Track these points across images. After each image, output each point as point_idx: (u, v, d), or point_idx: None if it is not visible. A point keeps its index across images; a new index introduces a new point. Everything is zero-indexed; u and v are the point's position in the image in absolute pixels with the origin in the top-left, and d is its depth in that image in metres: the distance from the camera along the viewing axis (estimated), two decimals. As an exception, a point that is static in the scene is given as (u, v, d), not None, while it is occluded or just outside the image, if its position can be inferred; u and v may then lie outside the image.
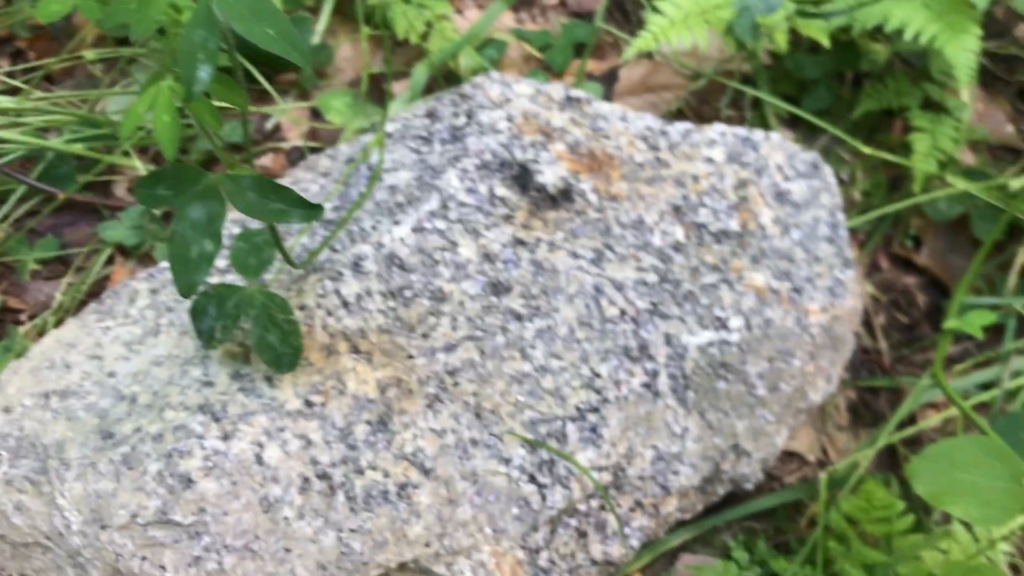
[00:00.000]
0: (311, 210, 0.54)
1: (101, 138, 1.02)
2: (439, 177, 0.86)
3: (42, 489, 0.73)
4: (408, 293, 0.79)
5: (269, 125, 1.10)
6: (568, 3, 1.24)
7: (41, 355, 0.80)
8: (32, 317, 0.95)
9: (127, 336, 0.80)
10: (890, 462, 0.99)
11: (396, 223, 0.83)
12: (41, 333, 0.93)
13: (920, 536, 0.81)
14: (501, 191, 0.86)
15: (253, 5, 0.44)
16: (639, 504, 0.80)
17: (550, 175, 0.88)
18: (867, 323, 1.09)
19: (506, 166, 0.88)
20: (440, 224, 0.83)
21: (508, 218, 0.85)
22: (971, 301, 1.02)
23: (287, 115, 1.08)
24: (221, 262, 0.82)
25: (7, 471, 0.74)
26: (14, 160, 0.99)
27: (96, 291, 0.98)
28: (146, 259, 0.98)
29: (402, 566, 0.73)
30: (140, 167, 1.00)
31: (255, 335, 0.68)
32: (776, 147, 0.96)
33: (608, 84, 1.18)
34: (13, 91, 1.08)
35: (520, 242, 0.84)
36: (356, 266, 0.79)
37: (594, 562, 0.79)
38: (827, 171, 0.95)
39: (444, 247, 0.82)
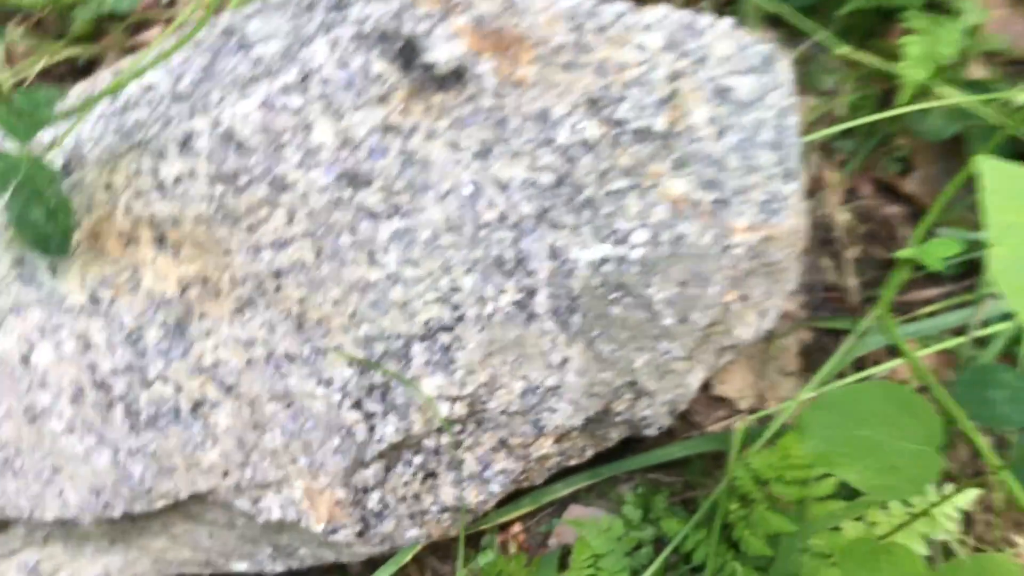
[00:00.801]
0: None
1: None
2: (306, 47, 0.72)
3: None
4: (243, 179, 0.67)
5: (167, -5, 0.97)
6: None
7: None
8: None
9: (-79, 212, 0.69)
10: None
11: (244, 96, 0.70)
12: None
13: (842, 503, 0.67)
14: (378, 67, 0.72)
15: None
16: (504, 443, 0.68)
17: (443, 52, 0.74)
18: (836, 255, 0.94)
19: (388, 38, 0.74)
20: (295, 100, 0.70)
21: (382, 99, 0.72)
22: (946, 233, 0.86)
23: (181, -17, 0.95)
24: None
25: None
26: None
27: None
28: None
29: (195, 497, 0.62)
30: None
31: (15, 209, 0.56)
32: (723, 36, 0.80)
33: (561, -33, 1.02)
34: None
35: (391, 128, 0.71)
36: (185, 144, 0.67)
37: (444, 508, 0.67)
38: (782, 66, 0.79)
39: (296, 127, 0.69)
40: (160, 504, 0.60)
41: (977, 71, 1.00)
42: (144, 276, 0.62)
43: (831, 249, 0.94)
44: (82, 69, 0.94)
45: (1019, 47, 1.03)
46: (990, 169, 0.45)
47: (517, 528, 0.76)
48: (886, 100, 1.00)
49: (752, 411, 0.84)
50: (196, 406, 0.60)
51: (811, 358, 0.88)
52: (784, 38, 1.01)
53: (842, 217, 0.96)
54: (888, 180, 0.97)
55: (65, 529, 0.64)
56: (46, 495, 0.60)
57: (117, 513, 0.60)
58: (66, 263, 0.61)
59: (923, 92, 0.92)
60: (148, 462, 0.60)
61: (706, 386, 0.85)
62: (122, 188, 0.65)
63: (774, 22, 1.03)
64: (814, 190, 0.97)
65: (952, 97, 0.89)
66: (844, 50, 0.87)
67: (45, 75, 0.92)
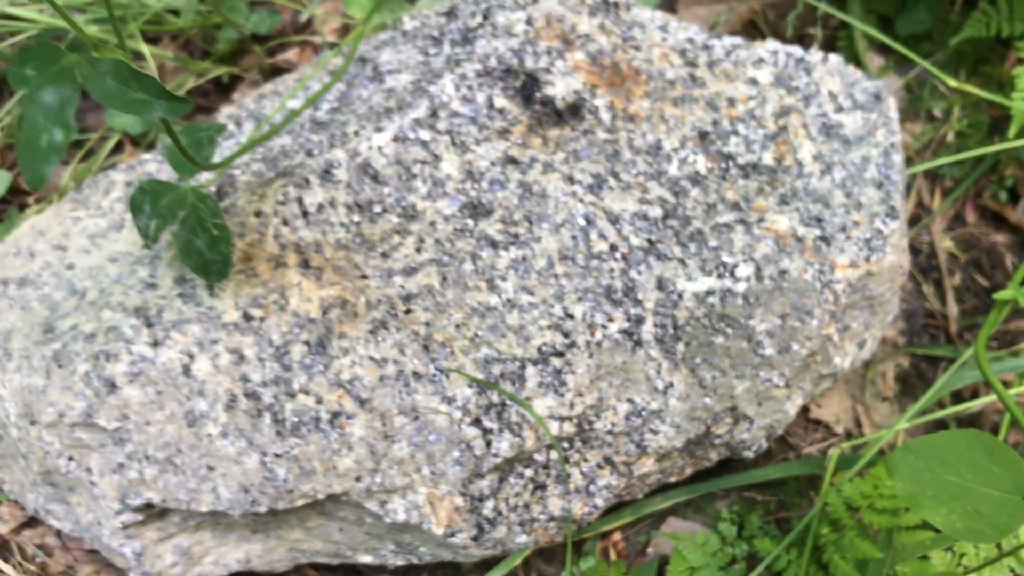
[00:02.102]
0: (176, 103, 0.48)
1: (132, 18, 0.99)
2: (434, 82, 0.78)
3: (-10, 377, 0.72)
4: (377, 208, 0.73)
5: (302, 19, 1.04)
6: (645, -102, 1.11)
7: (14, 241, 0.79)
8: (39, 200, 0.95)
9: (93, 228, 0.77)
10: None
11: (379, 130, 0.76)
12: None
13: (930, 534, 0.70)
14: (501, 102, 0.78)
15: None
16: (609, 461, 0.73)
17: (561, 87, 0.79)
18: (938, 283, 0.96)
19: (512, 74, 0.79)
20: (425, 134, 0.75)
21: (503, 133, 0.77)
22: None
23: (321, 9, 1.02)
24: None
25: (-38, 355, 0.73)
26: (34, 35, 0.97)
27: (104, 170, 0.96)
28: (152, 148, 0.95)
29: (332, 498, 0.69)
30: (148, 53, 0.97)
31: (181, 238, 0.64)
32: (833, 72, 0.83)
33: (674, -8, 1.06)
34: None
35: (512, 160, 0.76)
36: (326, 173, 0.74)
37: (552, 517, 0.73)
38: (890, 104, 0.82)
39: (425, 160, 0.75)
40: (300, 503, 0.68)
41: (1093, 100, 0.99)
42: (291, 297, 0.69)
43: (933, 276, 0.96)
44: (225, 86, 1.02)
45: None
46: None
47: (617, 537, 0.81)
48: (995, 127, 1.00)
49: (848, 435, 0.87)
50: (334, 417, 0.67)
51: (908, 384, 0.91)
52: (894, 64, 1.03)
53: (945, 244, 0.97)
54: (995, 208, 0.98)
55: (214, 519, 0.71)
56: (202, 490, 0.67)
57: (262, 509, 0.67)
58: (222, 283, 0.69)
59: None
60: (291, 465, 0.67)
61: (804, 409, 0.88)
62: (271, 215, 0.72)
63: (884, 48, 1.04)
64: (918, 216, 0.99)
65: (1064, 131, 0.89)
66: (955, 83, 0.88)
67: (192, 92, 1.00)
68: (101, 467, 0.68)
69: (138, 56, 1.00)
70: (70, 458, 0.68)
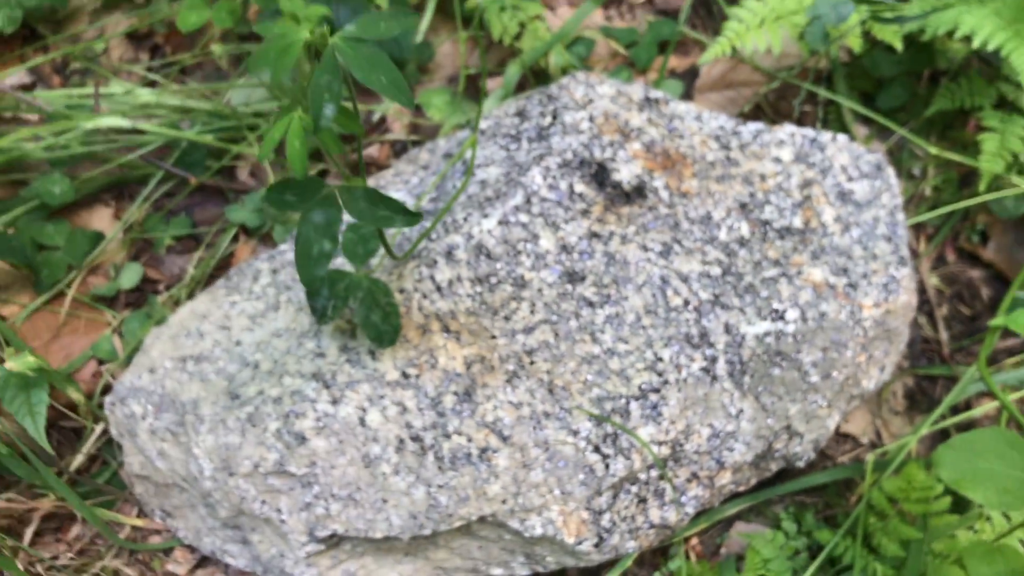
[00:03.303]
0: (412, 217, 0.65)
1: (227, 128, 1.15)
2: (524, 174, 0.95)
3: (180, 440, 0.86)
4: (493, 280, 0.90)
5: (375, 118, 1.21)
6: (655, 1, 1.31)
7: (179, 324, 0.93)
8: (168, 287, 1.09)
9: (251, 310, 0.93)
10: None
11: (485, 216, 0.92)
12: (176, 302, 1.06)
13: (955, 517, 0.88)
14: (580, 187, 0.95)
15: (371, 57, 0.54)
16: (695, 476, 0.89)
17: (626, 173, 0.97)
18: (930, 314, 1.15)
19: (585, 164, 0.96)
20: (523, 218, 0.92)
21: (585, 212, 0.94)
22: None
23: (391, 109, 1.18)
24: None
25: (152, 423, 0.88)
26: (154, 148, 1.13)
27: (223, 266, 1.11)
28: (266, 238, 1.11)
29: (482, 519, 0.84)
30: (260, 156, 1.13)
31: (361, 315, 0.79)
32: (842, 148, 1.02)
33: (690, 80, 1.25)
34: (151, 83, 1.22)
35: (595, 235, 0.93)
36: (449, 255, 0.90)
37: (652, 525, 0.89)
38: (890, 172, 1.01)
39: (526, 238, 0.91)
40: (457, 524, 0.83)
41: (1042, 155, 1.20)
42: (439, 357, 0.85)
43: (925, 309, 1.15)
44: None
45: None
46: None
47: (694, 541, 0.98)
48: (964, 181, 1.20)
49: (872, 444, 1.05)
50: (483, 452, 0.83)
51: (914, 400, 1.09)
52: (876, 132, 1.23)
53: (933, 281, 1.16)
54: (970, 249, 1.18)
55: (377, 545, 0.86)
56: (377, 520, 0.82)
57: (428, 532, 0.83)
58: (384, 349, 0.84)
59: (996, 177, 1.13)
60: (451, 493, 0.82)
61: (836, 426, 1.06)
62: (412, 291, 0.88)
63: (866, 118, 1.24)
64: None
65: (1021, 184, 1.09)
66: (935, 150, 1.08)
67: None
68: (290, 507, 0.83)
69: (239, 157, 1.15)
70: (263, 501, 0.83)
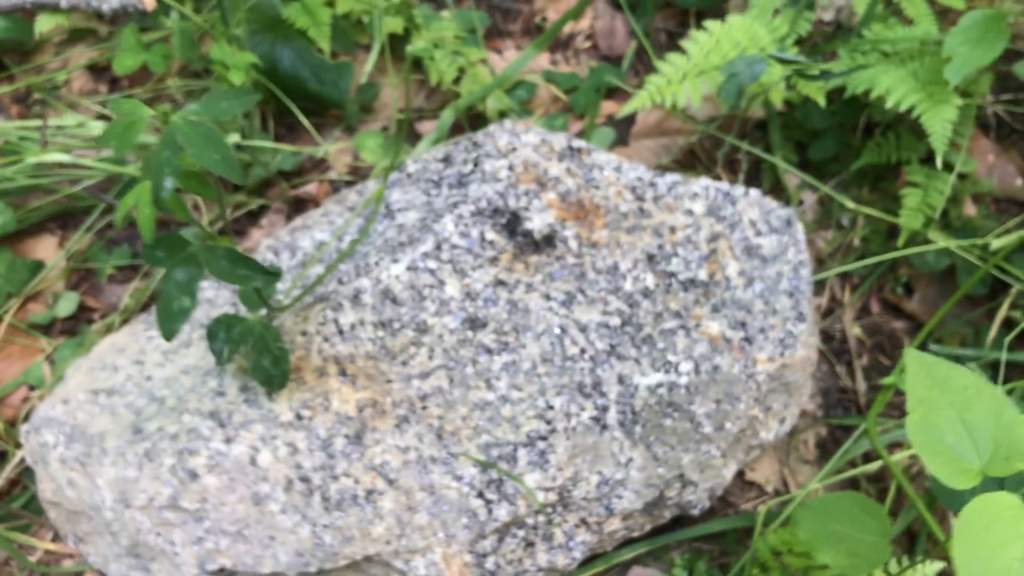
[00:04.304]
0: (270, 276, 0.68)
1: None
2: (438, 221, 0.98)
3: (87, 470, 0.90)
4: (396, 324, 0.93)
5: (320, 154, 1.24)
6: (600, 47, 1.34)
7: (98, 356, 0.97)
8: (103, 316, 1.13)
9: (165, 346, 0.96)
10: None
11: (395, 261, 0.95)
12: (109, 330, 1.10)
13: (834, 572, 0.90)
14: (491, 235, 0.98)
15: (205, 135, 0.57)
16: (584, 522, 0.92)
17: (538, 222, 1.00)
18: (849, 363, 1.16)
19: (499, 212, 0.99)
20: (432, 264, 0.95)
21: (494, 260, 0.97)
22: (938, 350, 1.08)
23: (333, 149, 1.22)
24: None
25: (63, 452, 0.91)
26: (98, 180, 1.17)
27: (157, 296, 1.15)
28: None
29: (367, 559, 0.87)
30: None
31: (252, 359, 0.83)
32: (753, 203, 1.04)
33: (627, 126, 1.28)
34: (105, 117, 1.26)
35: (501, 283, 0.96)
36: (355, 298, 0.93)
37: (540, 568, 0.91)
38: (798, 228, 1.03)
39: (433, 284, 0.94)
40: (342, 563, 0.86)
41: (969, 209, 1.22)
42: (332, 400, 0.88)
43: (845, 358, 1.17)
44: (255, 213, 1.22)
45: (1004, 187, 1.24)
46: (913, 357, 0.68)
47: (592, 583, 1.00)
48: (892, 232, 1.22)
49: (777, 493, 1.07)
50: (369, 494, 0.86)
51: (826, 449, 1.11)
52: (809, 180, 1.25)
53: (855, 331, 1.18)
54: (894, 300, 1.20)
55: (271, 578, 0.89)
56: (264, 556, 0.85)
57: (313, 569, 0.86)
58: (281, 391, 0.87)
59: (921, 231, 1.15)
60: (336, 533, 0.85)
61: (741, 473, 1.08)
62: (314, 334, 0.91)
63: (802, 167, 1.26)
64: (832, 308, 1.20)
65: (941, 242, 1.11)
66: (852, 205, 1.10)
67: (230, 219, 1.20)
68: (183, 540, 0.86)
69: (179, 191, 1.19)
70: (157, 533, 0.86)
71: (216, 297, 1.00)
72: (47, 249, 1.16)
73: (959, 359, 1.13)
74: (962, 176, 1.21)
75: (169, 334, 0.66)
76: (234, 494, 0.85)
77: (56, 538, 0.98)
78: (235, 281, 0.67)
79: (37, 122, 1.23)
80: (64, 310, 1.11)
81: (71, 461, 0.91)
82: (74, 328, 1.12)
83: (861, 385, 1.15)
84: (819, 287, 1.21)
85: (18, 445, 1.00)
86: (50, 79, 1.32)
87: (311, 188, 1.21)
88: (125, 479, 0.86)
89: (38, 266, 1.13)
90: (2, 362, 1.07)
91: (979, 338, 1.15)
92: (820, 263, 1.22)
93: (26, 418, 1.03)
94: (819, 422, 1.12)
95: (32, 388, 1.06)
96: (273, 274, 0.68)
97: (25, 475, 1.00)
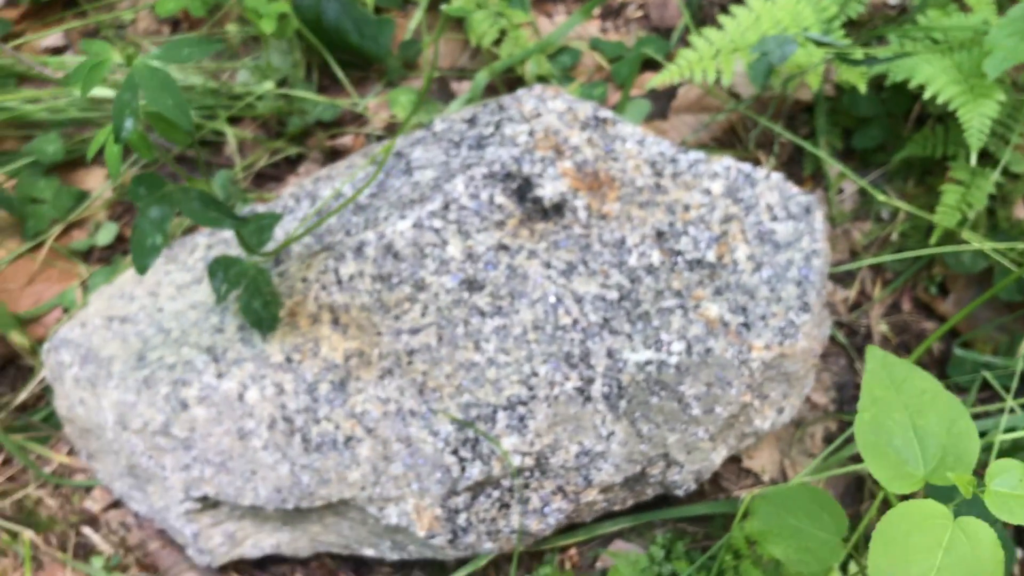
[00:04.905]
0: (239, 222, 0.70)
1: (224, 106, 1.23)
2: (449, 181, 0.99)
3: (96, 391, 0.95)
4: (395, 279, 0.94)
5: (359, 108, 1.26)
6: (651, 17, 1.32)
7: (118, 285, 1.02)
8: (139, 249, 1.18)
9: (180, 280, 1.00)
10: (857, 493, 1.05)
11: (402, 217, 0.97)
12: (144, 263, 1.15)
13: (810, 567, 0.88)
14: (500, 199, 0.99)
15: (161, 81, 0.59)
16: (561, 489, 0.92)
17: (549, 189, 1.00)
18: (869, 361, 1.13)
19: (511, 177, 1.00)
20: (437, 223, 0.97)
21: (500, 224, 0.98)
22: (963, 355, 1.05)
23: (372, 103, 1.24)
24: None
25: (77, 372, 0.97)
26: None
27: (191, 231, 1.20)
28: (230, 214, 1.18)
29: (343, 502, 0.90)
30: (231, 135, 1.20)
31: (243, 300, 0.86)
32: (773, 187, 1.02)
33: (668, 100, 1.26)
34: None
35: (503, 247, 0.97)
36: (358, 250, 0.95)
37: (513, 531, 0.93)
38: (817, 216, 1.00)
39: (436, 243, 0.96)
40: (318, 504, 0.89)
41: (1020, 212, 1.16)
42: (322, 347, 0.90)
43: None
44: (293, 161, 1.25)
45: (1065, 191, 1.18)
46: (873, 354, 0.67)
47: (572, 552, 1.01)
48: (932, 230, 1.17)
49: (773, 483, 1.05)
50: (348, 440, 0.88)
51: (832, 443, 1.08)
52: (853, 169, 1.21)
53: (881, 328, 1.15)
54: (926, 300, 1.16)
55: (254, 512, 0.93)
56: (245, 488, 0.89)
57: (290, 506, 0.89)
58: (272, 333, 0.90)
59: (955, 230, 1.10)
60: (313, 474, 0.88)
61: (738, 459, 1.07)
62: (313, 281, 0.93)
63: (845, 154, 1.22)
64: (860, 302, 1.17)
65: (976, 243, 1.06)
66: (883, 198, 1.07)
67: (266, 166, 1.24)
68: (172, 465, 0.90)
69: (221, 135, 1.24)
70: (150, 456, 0.91)
71: (233, 238, 1.03)
72: (94, 180, 1.22)
73: (986, 366, 1.09)
74: (1014, 176, 1.15)
75: (142, 268, 0.70)
76: (220, 427, 0.89)
77: (71, 452, 1.04)
78: (206, 223, 0.69)
79: (99, 58, 1.29)
80: (103, 239, 1.17)
81: (83, 381, 0.96)
82: (110, 257, 1.17)
83: (879, 383, 1.11)
84: (849, 279, 1.18)
85: (43, 363, 1.06)
86: (117, 17, 1.37)
87: (347, 140, 1.24)
88: (125, 403, 0.91)
89: (83, 195, 1.19)
90: (41, 284, 1.14)
91: (1012, 346, 1.10)
92: (854, 254, 1.19)
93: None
94: (829, 416, 1.09)
95: (65, 310, 1.12)
96: (240, 220, 0.71)
97: (47, 392, 1.07)
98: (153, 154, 0.67)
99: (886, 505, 1.00)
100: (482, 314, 0.94)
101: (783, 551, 0.73)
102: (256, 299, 0.85)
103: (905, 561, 0.56)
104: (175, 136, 0.67)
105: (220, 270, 0.86)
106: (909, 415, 0.64)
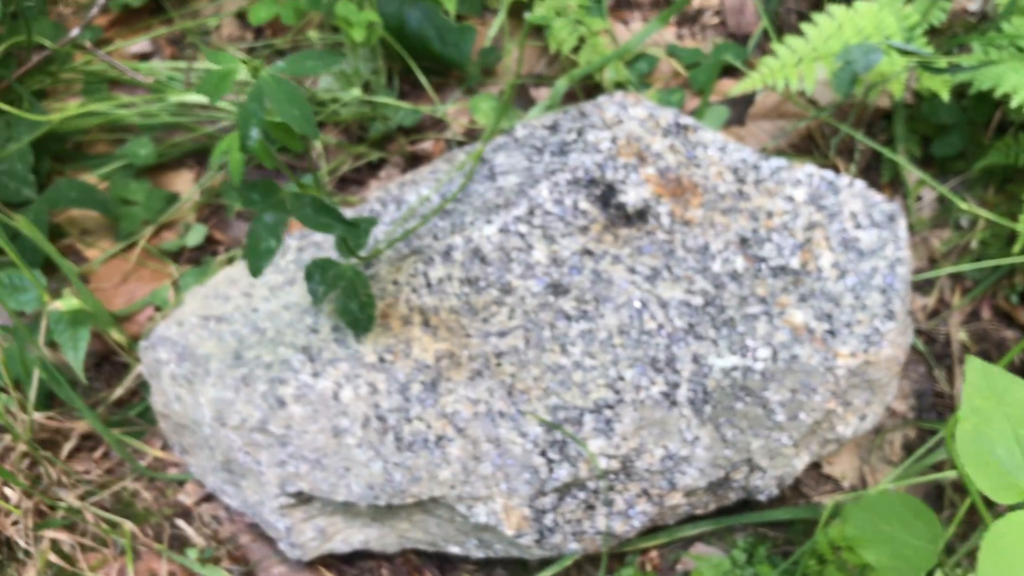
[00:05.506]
0: (349, 227, 0.73)
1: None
2: (534, 186, 1.01)
3: (193, 388, 0.98)
4: (482, 283, 0.96)
5: (439, 113, 1.29)
6: (728, 24, 1.33)
7: (213, 286, 1.05)
8: (227, 249, 1.22)
9: (272, 282, 1.03)
10: (937, 501, 1.05)
11: (488, 222, 0.99)
12: (230, 262, 1.19)
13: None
14: (584, 205, 1.00)
15: (288, 92, 0.62)
16: (645, 492, 0.94)
17: (633, 196, 1.01)
18: (949, 368, 1.13)
19: (594, 183, 1.01)
20: (523, 228, 0.98)
21: (584, 229, 0.99)
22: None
23: (451, 109, 1.26)
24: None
25: (174, 369, 1.00)
26: (232, 122, 1.25)
27: (279, 235, 1.23)
28: (315, 217, 1.21)
29: (432, 500, 0.92)
30: (318, 142, 1.23)
31: (340, 302, 0.88)
32: (857, 195, 1.02)
33: (744, 106, 1.26)
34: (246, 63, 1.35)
35: (588, 252, 0.98)
36: (446, 254, 0.97)
37: (598, 532, 0.94)
38: (901, 225, 1.00)
39: (521, 248, 0.98)
40: (409, 501, 0.91)
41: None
42: (413, 348, 0.93)
43: (946, 362, 1.13)
44: (374, 166, 1.28)
45: None
46: (974, 364, 0.67)
47: (654, 554, 1.02)
48: (1013, 238, 1.17)
49: (853, 489, 1.06)
50: (439, 439, 0.90)
51: (912, 452, 1.09)
52: (931, 176, 1.21)
53: (960, 336, 1.14)
54: (1007, 309, 1.15)
55: (345, 508, 0.96)
56: (339, 485, 0.92)
57: (382, 503, 0.91)
58: (367, 334, 0.93)
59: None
60: (405, 472, 0.90)
61: (817, 465, 1.07)
62: (404, 284, 0.96)
63: (924, 161, 1.22)
64: (939, 310, 1.17)
65: (1060, 251, 1.06)
66: (965, 206, 1.06)
67: (349, 170, 1.26)
68: (268, 461, 0.93)
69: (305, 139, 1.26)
70: (246, 452, 0.94)
71: (324, 241, 1.06)
72: (183, 183, 1.26)
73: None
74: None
75: (255, 271, 0.72)
76: (316, 424, 0.91)
77: (165, 447, 1.08)
78: (318, 228, 0.72)
79: (187, 64, 1.33)
80: (193, 240, 1.20)
81: (180, 378, 0.99)
82: (200, 258, 1.21)
83: (959, 391, 1.11)
84: (927, 287, 1.17)
85: (138, 359, 1.10)
86: (203, 24, 1.41)
87: (428, 145, 1.26)
88: (223, 399, 0.94)
89: (173, 198, 1.22)
90: (134, 283, 1.18)
91: (1097, 357, 1.09)
92: (932, 262, 1.19)
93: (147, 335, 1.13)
94: (908, 424, 1.09)
95: (157, 309, 1.16)
96: (351, 225, 0.73)
97: (142, 387, 1.10)
98: (274, 162, 0.70)
99: (972, 514, 1.00)
100: (568, 318, 0.95)
101: (877, 557, 0.73)
102: (353, 301, 0.88)
103: (1016, 572, 0.56)
104: (291, 144, 0.69)
105: (317, 273, 0.89)
106: (1011, 425, 0.64)
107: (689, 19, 1.34)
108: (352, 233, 0.73)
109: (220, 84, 0.61)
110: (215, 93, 0.61)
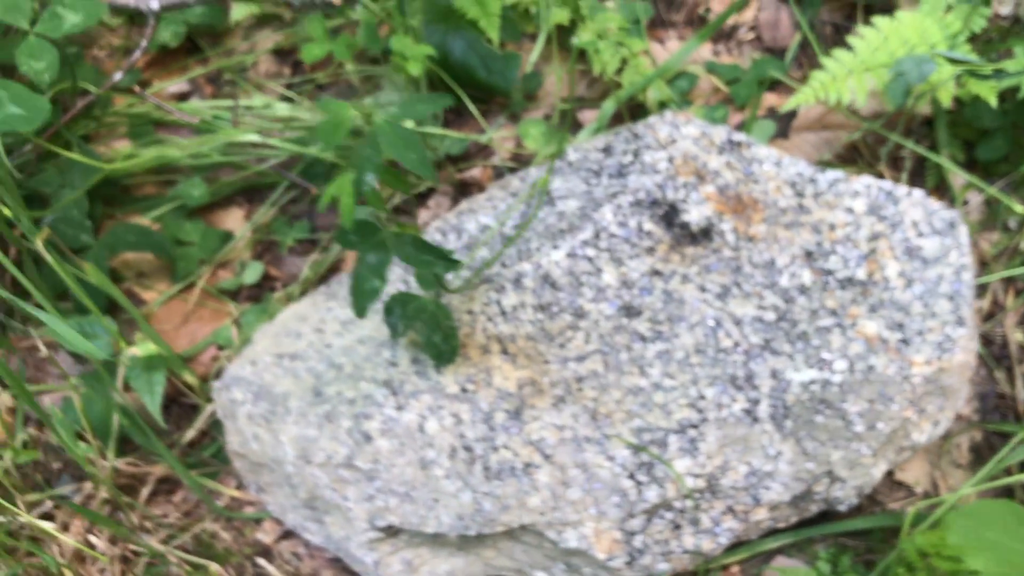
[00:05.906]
0: (450, 263, 0.74)
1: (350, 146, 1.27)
2: (597, 210, 1.02)
3: (271, 427, 0.99)
4: (554, 308, 0.97)
5: (484, 140, 1.30)
6: (763, 38, 1.34)
7: (282, 323, 1.06)
8: (285, 285, 1.23)
9: (343, 316, 1.04)
10: (1004, 505, 1.06)
11: (555, 247, 1.00)
12: (290, 298, 1.19)
13: (986, 578, 0.90)
14: (648, 226, 1.01)
15: (405, 137, 0.63)
16: (731, 509, 0.95)
17: (695, 214, 1.02)
18: (1009, 369, 1.14)
19: (657, 204, 1.02)
20: (590, 252, 0.99)
21: (650, 250, 1.00)
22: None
23: (498, 136, 1.28)
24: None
25: (250, 409, 1.00)
26: (282, 160, 1.26)
27: (334, 268, 1.24)
28: (370, 249, 1.22)
29: (522, 527, 0.92)
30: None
31: (424, 335, 0.89)
32: (916, 203, 1.03)
33: (787, 119, 1.28)
34: (288, 99, 1.35)
35: (657, 272, 0.99)
36: (517, 282, 0.98)
37: (685, 551, 0.95)
38: (962, 231, 1.02)
39: (590, 272, 0.99)
40: (499, 530, 0.92)
41: None
42: (494, 376, 0.94)
43: (1005, 364, 1.15)
44: (423, 194, 1.29)
45: None
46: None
47: (736, 570, 1.03)
48: (1064, 238, 1.18)
49: (926, 495, 1.07)
50: (526, 466, 0.91)
51: (979, 454, 1.10)
52: (975, 181, 1.22)
53: (1016, 337, 1.16)
54: (1061, 308, 1.17)
55: (432, 539, 0.96)
56: (429, 517, 0.92)
57: (472, 532, 0.92)
58: (449, 365, 0.94)
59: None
60: (495, 501, 0.91)
61: (890, 473, 1.08)
62: (479, 313, 0.97)
63: (968, 165, 1.24)
64: (993, 312, 1.18)
65: (1116, 249, 1.07)
66: (1020, 209, 1.08)
67: (401, 199, 1.27)
68: (356, 496, 0.94)
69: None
70: (333, 489, 0.94)
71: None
72: (235, 221, 1.26)
73: None
74: None
75: (361, 311, 0.73)
76: (403, 457, 0.92)
77: (240, 486, 1.08)
78: (419, 266, 0.73)
79: (227, 102, 1.34)
80: (250, 278, 1.21)
81: (257, 418, 1.00)
82: (258, 295, 1.22)
83: (1020, 392, 1.12)
84: (981, 290, 1.19)
85: (208, 400, 1.10)
86: (240, 61, 1.42)
87: (476, 172, 1.27)
88: (306, 437, 0.95)
89: (227, 236, 1.23)
90: (195, 323, 1.18)
91: None
92: (984, 265, 1.20)
93: (217, 376, 1.13)
94: (974, 426, 1.10)
95: (220, 348, 1.16)
96: (453, 262, 0.74)
97: (214, 427, 1.11)
98: (384, 205, 0.71)
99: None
100: (643, 339, 0.96)
101: (984, 564, 0.74)
102: (436, 333, 0.88)
103: None
104: (400, 186, 0.70)
105: (397, 307, 0.90)
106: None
107: (724, 35, 1.36)
108: (454, 269, 0.74)
109: (335, 131, 0.62)
110: (330, 140, 0.61)
